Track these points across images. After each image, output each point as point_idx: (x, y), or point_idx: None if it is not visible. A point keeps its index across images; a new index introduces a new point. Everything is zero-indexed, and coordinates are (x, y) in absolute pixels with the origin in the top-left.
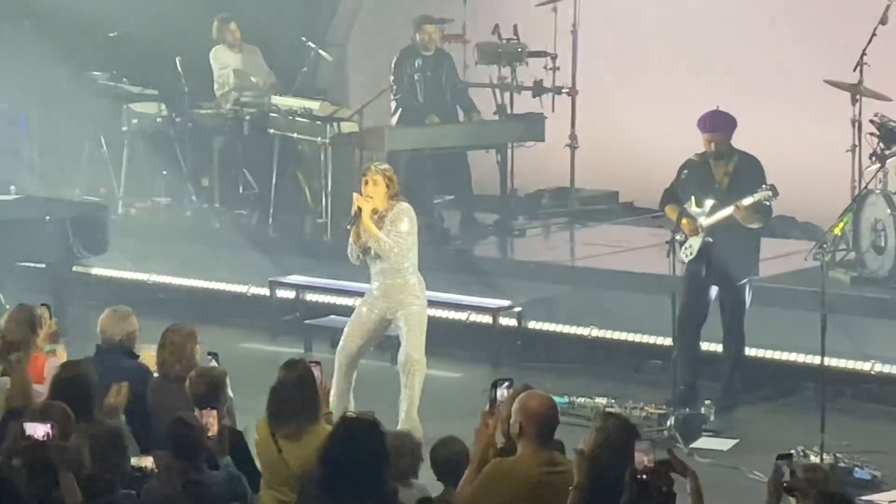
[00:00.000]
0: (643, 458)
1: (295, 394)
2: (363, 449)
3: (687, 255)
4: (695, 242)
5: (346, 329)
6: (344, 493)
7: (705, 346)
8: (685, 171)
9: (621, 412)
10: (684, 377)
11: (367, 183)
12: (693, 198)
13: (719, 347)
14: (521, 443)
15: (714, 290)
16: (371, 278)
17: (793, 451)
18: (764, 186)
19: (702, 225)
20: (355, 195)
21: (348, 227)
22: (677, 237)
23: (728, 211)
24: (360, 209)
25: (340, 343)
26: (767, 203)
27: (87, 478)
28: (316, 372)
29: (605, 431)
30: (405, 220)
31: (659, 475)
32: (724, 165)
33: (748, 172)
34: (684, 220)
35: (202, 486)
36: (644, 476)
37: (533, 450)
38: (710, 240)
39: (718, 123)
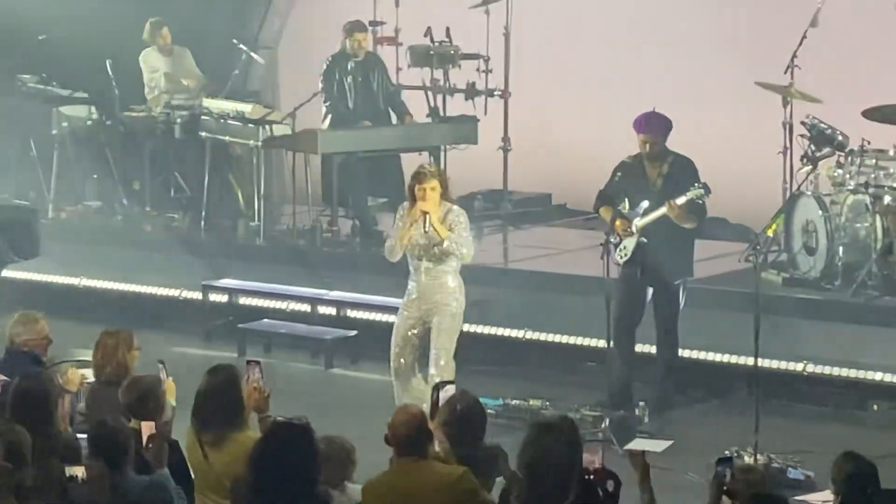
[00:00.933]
0: (591, 458)
1: (218, 399)
2: (293, 454)
3: (621, 257)
4: (629, 244)
5: (392, 344)
6: (275, 498)
7: (640, 347)
8: (619, 173)
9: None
10: (619, 379)
11: (423, 191)
12: (627, 199)
13: (654, 349)
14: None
15: (649, 292)
16: (409, 276)
17: (734, 454)
18: (697, 185)
19: (636, 226)
20: (419, 205)
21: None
22: (611, 239)
23: (662, 211)
24: (424, 214)
25: (392, 363)
26: (701, 202)
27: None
28: (255, 373)
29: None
30: (464, 222)
31: (605, 474)
32: (658, 167)
33: (682, 173)
34: (618, 222)
35: (120, 491)
36: (591, 477)
37: (398, 462)
38: (645, 241)
39: (654, 125)
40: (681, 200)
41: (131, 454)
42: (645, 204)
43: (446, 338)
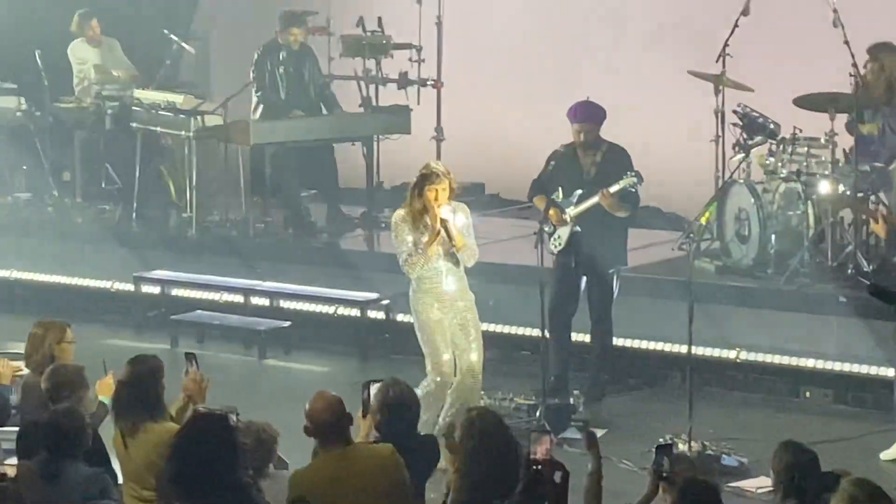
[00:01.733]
0: (539, 448)
1: (136, 389)
2: (212, 444)
3: (556, 246)
4: (563, 233)
5: (435, 346)
6: (195, 487)
7: (574, 336)
8: (552, 162)
9: (490, 403)
10: (554, 368)
11: (436, 192)
12: (561, 188)
13: (588, 338)
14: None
15: (583, 281)
16: (442, 276)
17: (672, 441)
18: (630, 173)
19: (570, 215)
20: (437, 212)
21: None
22: (545, 228)
23: (595, 199)
24: (443, 222)
25: (440, 366)
26: (633, 190)
27: None
28: (192, 365)
29: (471, 423)
30: (469, 218)
31: (553, 465)
32: (592, 155)
33: (616, 162)
34: (552, 211)
35: (68, 481)
36: (539, 466)
37: (324, 453)
38: (579, 230)
39: (589, 113)
40: (614, 189)
41: (85, 445)
42: (579, 193)
43: (480, 342)
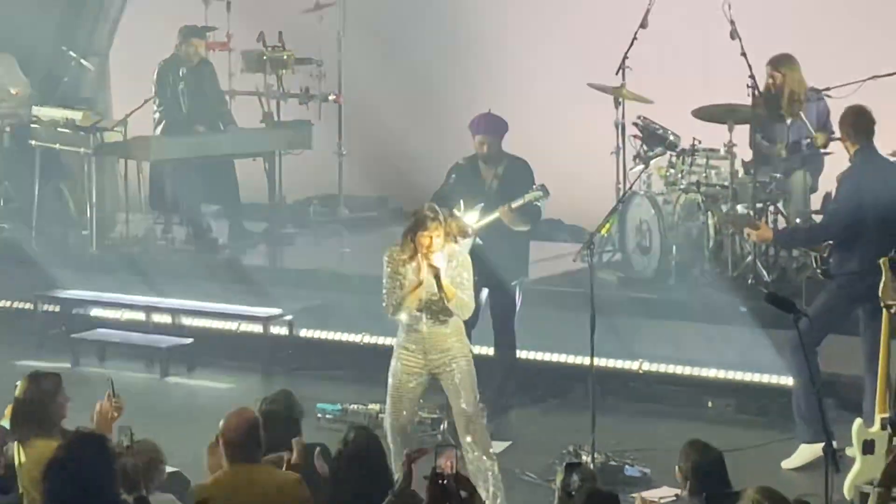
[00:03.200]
0: (445, 462)
1: (29, 406)
2: (86, 464)
3: None
4: (465, 246)
5: (389, 402)
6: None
7: (477, 349)
8: (453, 175)
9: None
10: None
11: (429, 240)
12: (462, 201)
13: (491, 351)
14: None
15: (484, 293)
16: (408, 324)
17: (571, 453)
18: (535, 187)
19: (472, 228)
20: (429, 259)
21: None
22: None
23: (496, 214)
24: (435, 270)
25: (389, 419)
26: (538, 203)
27: None
28: (108, 393)
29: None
30: (468, 273)
31: (459, 481)
32: (493, 168)
33: (518, 175)
34: (454, 224)
35: None
36: (444, 481)
37: (231, 467)
38: (481, 242)
39: (491, 126)
40: (516, 204)
41: None
42: (481, 206)
43: (471, 388)
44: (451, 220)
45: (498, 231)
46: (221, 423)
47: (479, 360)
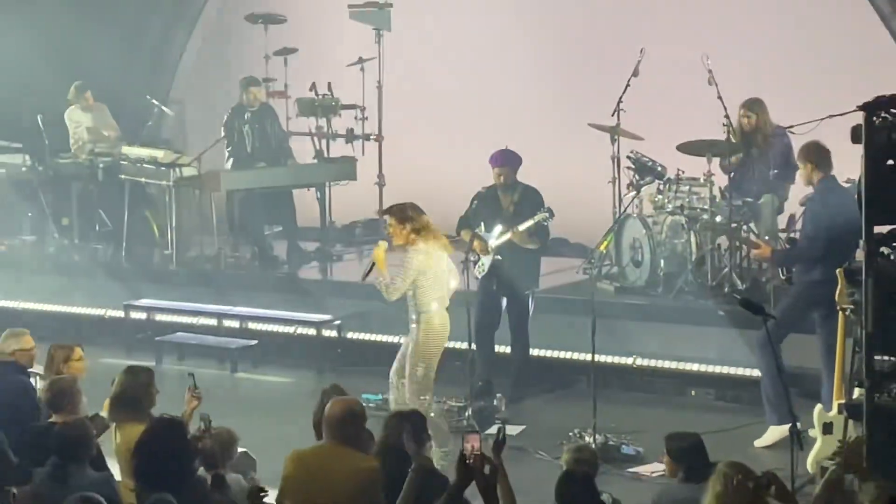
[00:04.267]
0: (470, 445)
1: (126, 394)
2: (165, 445)
3: (480, 272)
4: (486, 261)
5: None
6: (153, 480)
7: (497, 347)
8: (476, 201)
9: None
10: (481, 375)
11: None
12: (483, 223)
13: (508, 349)
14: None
15: (503, 301)
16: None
17: (576, 435)
18: (542, 210)
19: (491, 246)
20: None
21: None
22: (471, 257)
23: (507, 235)
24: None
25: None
26: (546, 224)
27: None
28: (191, 382)
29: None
30: (410, 262)
31: (483, 460)
32: (510, 195)
33: (530, 201)
34: (476, 242)
35: (76, 484)
36: (470, 461)
37: (330, 445)
38: (500, 258)
39: (507, 159)
40: (522, 227)
41: (91, 452)
42: (499, 228)
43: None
44: (475, 239)
45: (513, 249)
46: (326, 406)
47: (498, 357)
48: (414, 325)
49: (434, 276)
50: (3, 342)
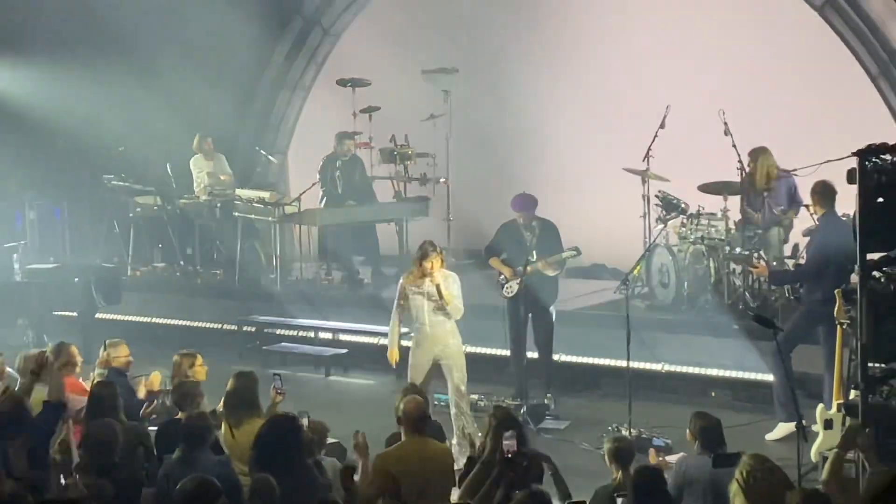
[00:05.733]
0: (509, 442)
1: (239, 394)
2: (283, 437)
3: (508, 293)
4: (514, 285)
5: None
6: (272, 466)
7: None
8: (501, 233)
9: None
10: (520, 379)
11: (431, 263)
12: (506, 252)
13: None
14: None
15: (529, 317)
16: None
17: (615, 429)
18: (571, 248)
19: (522, 274)
20: (433, 277)
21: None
22: (500, 279)
23: (538, 265)
24: (437, 284)
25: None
26: (573, 257)
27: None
28: (278, 381)
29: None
30: (457, 283)
31: (521, 455)
32: (531, 230)
33: (549, 234)
34: (506, 268)
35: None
36: (510, 455)
37: (408, 438)
38: (525, 283)
39: (525, 204)
40: (550, 260)
41: (212, 439)
42: (530, 259)
43: (461, 372)
44: (506, 266)
45: (537, 274)
46: (400, 406)
47: (532, 364)
48: (454, 341)
49: None
50: (107, 350)
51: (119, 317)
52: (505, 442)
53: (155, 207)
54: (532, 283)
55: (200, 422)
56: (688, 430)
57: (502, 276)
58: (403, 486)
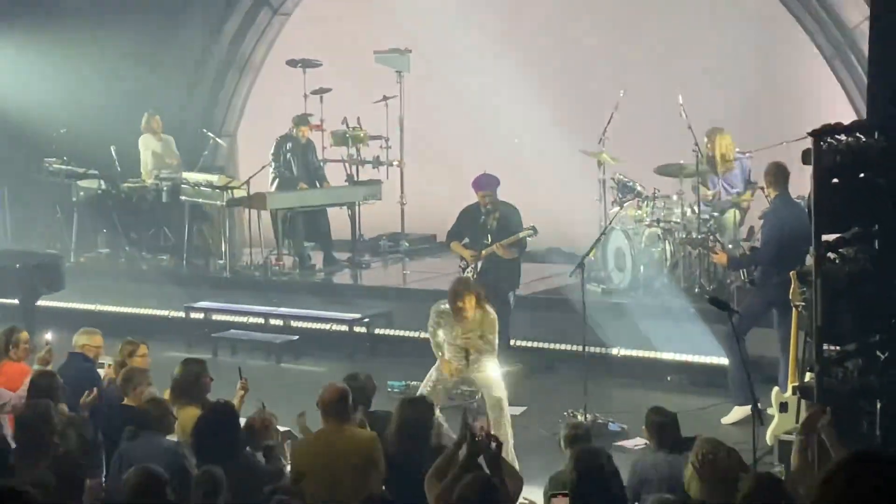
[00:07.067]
0: (479, 425)
1: (180, 381)
2: (220, 426)
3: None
4: (474, 268)
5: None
6: (209, 457)
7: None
8: (462, 217)
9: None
10: None
11: (464, 304)
12: (468, 236)
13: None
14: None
15: None
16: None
17: (570, 414)
18: (528, 227)
19: (479, 256)
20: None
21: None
22: (461, 264)
23: (493, 248)
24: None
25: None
26: (530, 238)
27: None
28: (242, 375)
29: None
30: (494, 326)
31: (489, 437)
32: (493, 213)
33: (511, 216)
34: (466, 251)
35: (149, 450)
36: (478, 438)
37: (323, 427)
38: (480, 266)
39: (487, 183)
40: (505, 242)
41: (161, 425)
42: (487, 243)
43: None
44: (467, 249)
45: (496, 259)
46: (321, 392)
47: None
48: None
49: None
50: (77, 337)
51: (62, 304)
52: (474, 423)
53: (99, 191)
54: (490, 268)
55: (152, 406)
56: (644, 427)
57: (463, 261)
58: (309, 480)
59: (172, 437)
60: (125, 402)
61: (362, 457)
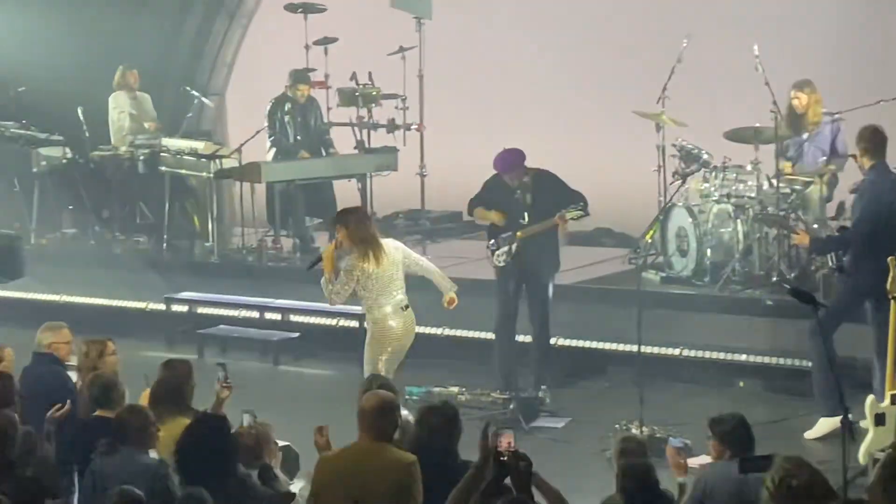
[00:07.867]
0: (505, 441)
1: (163, 387)
2: (210, 442)
3: (499, 262)
4: (503, 252)
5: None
6: (195, 477)
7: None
8: (489, 186)
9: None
10: (502, 367)
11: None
12: (497, 209)
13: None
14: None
15: (522, 289)
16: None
17: (622, 426)
18: (581, 205)
19: (517, 235)
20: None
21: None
22: (490, 245)
23: (550, 221)
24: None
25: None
26: (578, 218)
27: None
28: (222, 373)
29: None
30: (349, 269)
31: (517, 456)
32: (524, 186)
33: (547, 185)
34: (496, 214)
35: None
36: (504, 458)
37: (358, 442)
38: (518, 247)
39: (510, 162)
40: (570, 215)
41: (142, 439)
42: (523, 221)
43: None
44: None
45: (534, 237)
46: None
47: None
48: (367, 325)
49: (381, 281)
50: (41, 335)
51: (20, 294)
52: (501, 440)
53: (64, 161)
54: (531, 247)
55: (130, 417)
56: (712, 441)
57: (492, 242)
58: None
59: (153, 454)
60: (98, 413)
61: (396, 485)
